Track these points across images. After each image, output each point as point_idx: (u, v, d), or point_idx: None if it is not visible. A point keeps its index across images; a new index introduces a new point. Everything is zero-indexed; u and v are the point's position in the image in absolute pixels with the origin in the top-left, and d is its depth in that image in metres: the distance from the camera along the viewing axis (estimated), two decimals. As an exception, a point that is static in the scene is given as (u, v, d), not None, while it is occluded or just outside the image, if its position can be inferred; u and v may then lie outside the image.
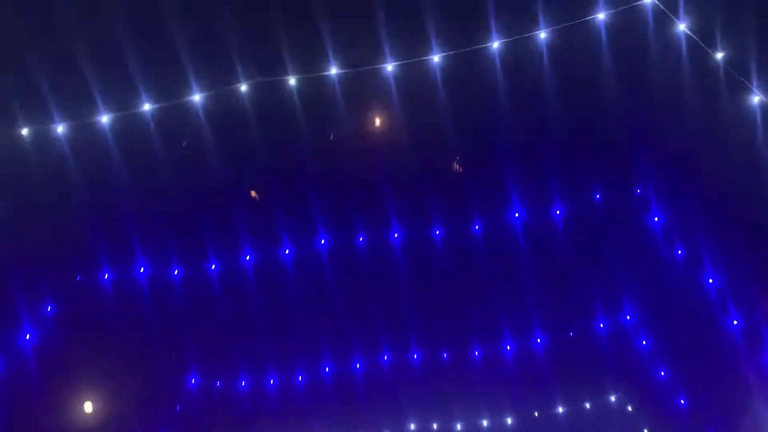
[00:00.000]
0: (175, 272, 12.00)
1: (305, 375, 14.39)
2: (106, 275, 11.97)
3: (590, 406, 16.38)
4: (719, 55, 7.80)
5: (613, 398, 16.28)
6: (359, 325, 13.79)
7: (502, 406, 16.16)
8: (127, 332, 12.97)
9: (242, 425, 14.86)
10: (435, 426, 16.96)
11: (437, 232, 11.69)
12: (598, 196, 11.40)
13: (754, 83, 7.42)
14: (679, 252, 10.82)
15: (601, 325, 13.74)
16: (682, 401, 12.64)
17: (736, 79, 7.58)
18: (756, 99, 7.52)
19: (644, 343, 13.38)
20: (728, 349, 10.11)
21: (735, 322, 9.93)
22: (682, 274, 10.66)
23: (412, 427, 17.02)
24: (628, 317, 13.61)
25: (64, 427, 12.40)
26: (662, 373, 13.04)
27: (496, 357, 14.04)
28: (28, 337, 11.56)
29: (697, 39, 7.81)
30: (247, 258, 11.80)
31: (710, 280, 10.19)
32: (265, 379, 14.49)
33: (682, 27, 8.05)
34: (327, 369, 14.32)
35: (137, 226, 11.20)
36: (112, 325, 12.56)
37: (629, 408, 16.24)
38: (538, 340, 13.86)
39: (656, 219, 11.23)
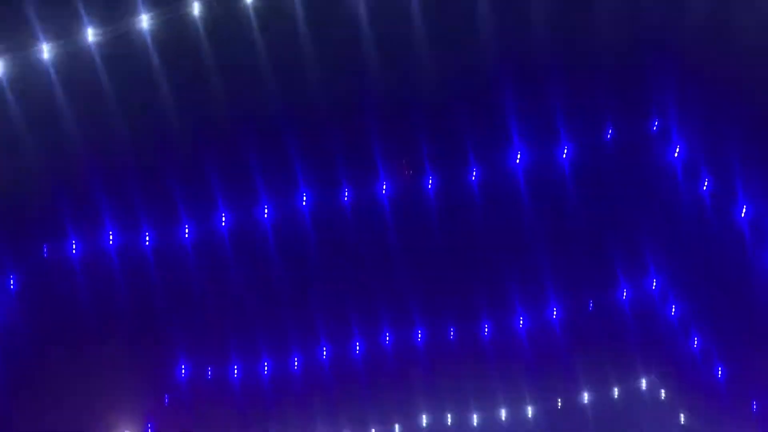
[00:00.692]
0: (147, 240, 10.83)
1: (301, 359, 13.04)
2: (74, 247, 10.89)
3: (618, 392, 14.71)
4: None
5: (643, 382, 14.60)
6: (356, 302, 12.43)
7: (521, 393, 14.54)
8: (103, 314, 11.84)
9: (236, 416, 13.57)
10: (449, 418, 15.45)
11: (429, 181, 10.33)
12: (609, 132, 9.94)
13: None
14: (705, 185, 9.29)
15: (624, 294, 12.16)
16: (720, 371, 10.98)
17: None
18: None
19: (673, 310, 11.76)
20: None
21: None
22: (710, 212, 9.13)
23: (424, 420, 15.55)
24: (654, 283, 12.02)
25: (33, 424, 11.23)
26: (695, 342, 11.40)
27: (509, 334, 12.52)
28: (-13, 313, 10.52)
29: None
30: (223, 220, 10.57)
31: (743, 213, 8.65)
32: (259, 366, 13.18)
33: None
34: (324, 352, 12.96)
35: (102, 188, 10.11)
36: (86, 305, 11.43)
37: (662, 393, 14.52)
38: (554, 313, 12.31)
39: (677, 153, 9.72)
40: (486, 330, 12.48)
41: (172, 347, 13.12)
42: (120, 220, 10.56)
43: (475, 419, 15.33)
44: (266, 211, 10.55)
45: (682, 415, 14.26)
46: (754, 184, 8.24)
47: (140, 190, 10.19)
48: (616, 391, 14.71)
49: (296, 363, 12.95)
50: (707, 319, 11.10)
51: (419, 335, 12.72)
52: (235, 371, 13.17)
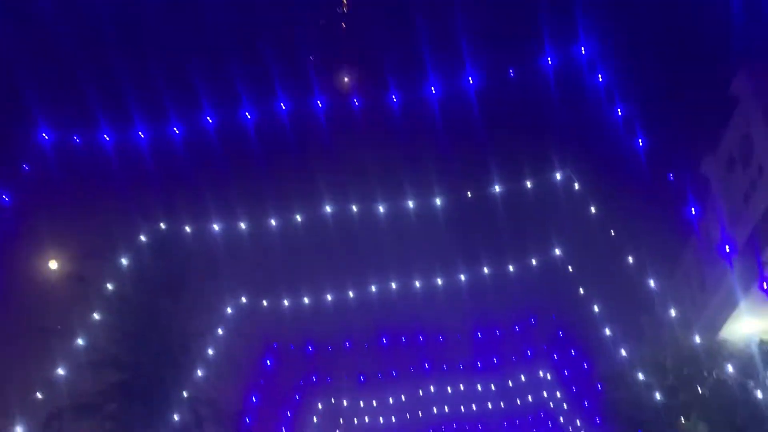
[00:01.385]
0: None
1: (182, 127, 10.91)
2: None
3: (532, 185, 13.45)
4: None
5: (558, 175, 13.36)
6: (246, 59, 10.24)
7: (429, 181, 13.11)
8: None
9: (105, 186, 11.62)
10: (354, 208, 13.97)
11: None
12: None
13: None
14: None
15: (549, 61, 10.35)
16: (641, 141, 9.60)
17: None
18: None
19: (600, 78, 10.11)
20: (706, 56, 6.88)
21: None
22: None
23: (328, 209, 14.04)
24: (582, 50, 10.23)
25: None
26: (619, 112, 9.88)
27: (419, 106, 10.64)
28: None
29: None
30: None
31: None
32: (133, 133, 11.01)
33: None
34: (210, 120, 10.85)
35: None
36: None
37: (576, 186, 13.36)
38: (470, 80, 10.43)
39: None
40: (394, 99, 10.56)
41: (31, 108, 10.76)
42: None
43: (381, 209, 13.94)
44: None
45: (593, 207, 13.29)
46: None
47: None
48: (528, 184, 13.48)
49: (176, 130, 10.84)
50: (634, 87, 9.54)
51: (319, 104, 10.70)
52: (107, 138, 10.99)
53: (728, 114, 12.80)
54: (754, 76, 12.38)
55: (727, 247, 9.26)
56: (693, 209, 9.42)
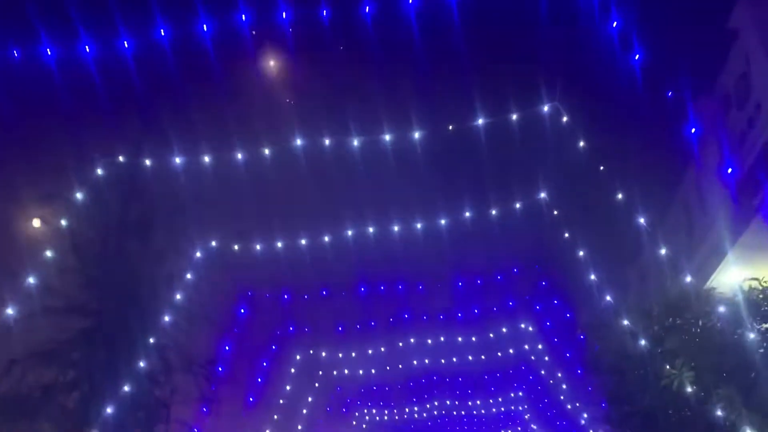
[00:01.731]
0: None
1: (132, 41, 9.71)
2: None
3: (518, 118, 12.45)
4: None
5: (545, 108, 12.34)
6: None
7: (407, 114, 12.07)
8: None
9: (52, 111, 10.47)
10: (326, 142, 12.94)
11: None
12: None
13: None
14: None
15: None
16: (637, 56, 8.60)
17: None
18: None
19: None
20: None
21: None
22: None
23: (298, 142, 13.00)
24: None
25: None
26: (614, 24, 8.85)
27: (394, 16, 9.48)
28: None
29: None
30: None
31: None
32: (80, 47, 9.80)
33: None
34: (162, 32, 9.63)
35: None
36: None
37: (564, 119, 12.37)
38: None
39: None
40: (367, 9, 9.37)
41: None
42: None
43: (355, 143, 12.93)
44: None
45: (582, 142, 12.36)
46: None
47: None
48: (514, 117, 12.48)
49: (126, 44, 9.66)
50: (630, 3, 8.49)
51: (284, 15, 9.48)
52: (49, 52, 9.80)
53: (725, 50, 11.85)
54: (757, 7, 11.39)
55: (729, 169, 8.36)
56: (693, 129, 8.46)
